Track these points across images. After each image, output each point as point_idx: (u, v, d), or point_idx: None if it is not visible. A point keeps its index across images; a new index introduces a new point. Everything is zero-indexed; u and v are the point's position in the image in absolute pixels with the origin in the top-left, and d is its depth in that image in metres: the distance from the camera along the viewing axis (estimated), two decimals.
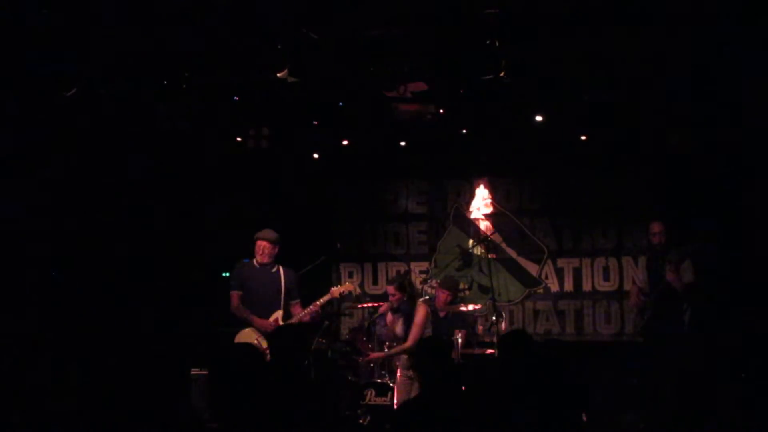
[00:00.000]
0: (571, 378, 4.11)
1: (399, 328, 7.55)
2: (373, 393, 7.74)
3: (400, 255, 9.73)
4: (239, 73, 6.89)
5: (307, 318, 7.45)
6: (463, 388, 4.99)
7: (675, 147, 8.33)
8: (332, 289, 7.66)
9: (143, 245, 8.53)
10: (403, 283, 7.73)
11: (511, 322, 9.31)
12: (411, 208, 9.74)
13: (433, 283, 8.84)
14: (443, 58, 6.64)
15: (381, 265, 9.74)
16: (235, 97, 7.73)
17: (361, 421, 7.64)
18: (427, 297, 8.40)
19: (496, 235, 9.32)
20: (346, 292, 7.76)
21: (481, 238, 9.18)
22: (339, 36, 6.50)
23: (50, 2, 5.95)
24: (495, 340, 7.92)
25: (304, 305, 7.58)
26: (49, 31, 6.17)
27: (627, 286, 8.98)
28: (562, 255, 9.39)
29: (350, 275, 9.77)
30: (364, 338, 8.00)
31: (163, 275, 8.54)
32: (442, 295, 8.16)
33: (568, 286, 9.36)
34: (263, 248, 7.50)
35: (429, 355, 4.53)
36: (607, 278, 9.26)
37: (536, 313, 9.44)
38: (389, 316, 7.65)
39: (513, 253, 9.47)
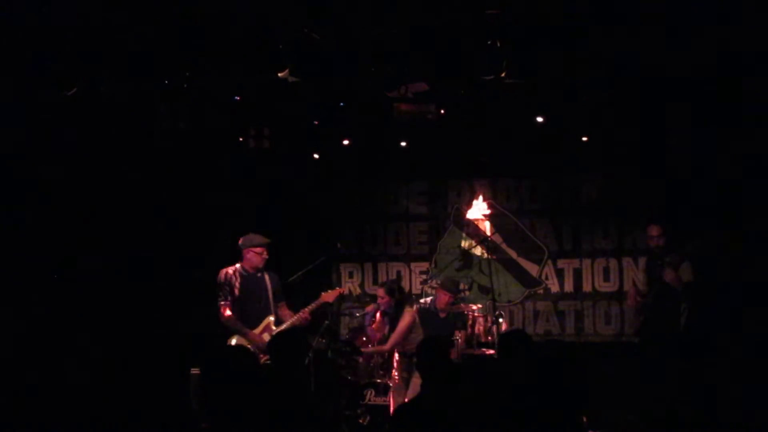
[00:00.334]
0: (571, 379, 4.10)
1: (386, 330, 7.57)
2: (373, 393, 7.75)
3: (400, 255, 9.74)
4: (240, 73, 6.88)
5: (296, 324, 7.36)
6: (464, 388, 4.99)
7: (675, 147, 8.33)
8: (322, 294, 7.54)
9: (143, 245, 8.53)
10: (393, 288, 7.74)
11: (511, 323, 9.32)
12: (411, 209, 9.75)
13: (433, 283, 8.86)
14: (444, 58, 6.64)
15: (381, 266, 9.74)
16: (236, 97, 7.74)
17: (360, 420, 7.64)
18: (429, 299, 8.41)
19: (497, 235, 9.31)
20: (336, 296, 7.63)
21: (480, 238, 9.18)
22: (340, 36, 6.50)
23: (51, 1, 5.95)
24: (495, 340, 7.93)
25: (304, 305, 7.54)
26: (50, 30, 6.16)
27: (627, 287, 8.98)
28: (562, 256, 9.39)
29: (350, 275, 9.78)
30: (364, 338, 8.01)
31: (163, 275, 8.53)
32: (443, 297, 8.17)
33: (569, 286, 9.36)
34: (264, 254, 7.39)
35: (431, 355, 4.53)
36: (607, 279, 9.26)
37: (536, 313, 9.44)
38: (378, 318, 7.64)
39: (513, 254, 9.48)
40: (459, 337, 7.81)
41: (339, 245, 9.03)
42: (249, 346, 6.89)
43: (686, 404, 7.19)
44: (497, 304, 8.57)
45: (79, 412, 7.28)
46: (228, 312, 7.24)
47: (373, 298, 9.30)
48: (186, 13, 6.15)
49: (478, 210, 8.90)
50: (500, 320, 8.37)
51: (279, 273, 7.74)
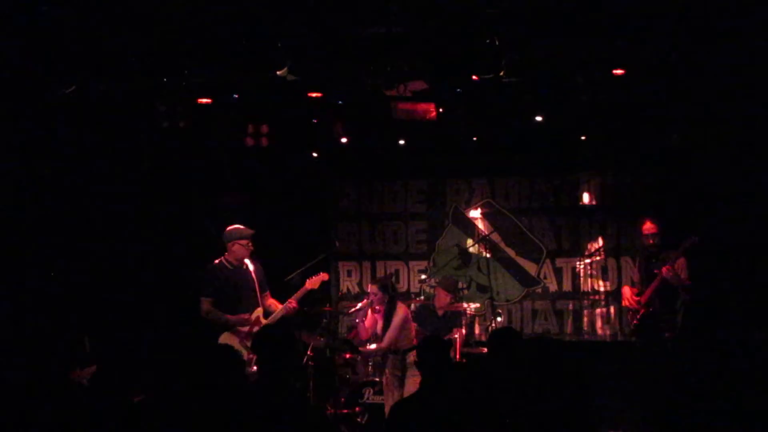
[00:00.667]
0: (566, 376, 4.09)
1: (380, 329, 7.55)
2: (371, 391, 7.76)
3: (398, 254, 9.73)
4: (239, 71, 6.88)
5: (284, 314, 7.31)
6: (462, 387, 4.99)
7: (675, 146, 8.34)
8: (306, 281, 7.46)
9: (143, 243, 8.54)
10: (387, 284, 7.72)
11: (509, 322, 9.32)
12: (410, 207, 9.74)
13: (432, 282, 8.86)
14: (443, 56, 6.63)
15: (380, 264, 9.73)
16: (235, 95, 7.73)
17: (359, 419, 7.65)
18: (421, 298, 8.43)
19: (495, 234, 9.33)
20: (320, 282, 7.51)
21: (479, 237, 9.18)
22: (339, 34, 6.49)
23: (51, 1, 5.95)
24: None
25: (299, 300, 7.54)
26: (50, 29, 6.16)
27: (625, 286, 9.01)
28: (560, 255, 9.40)
29: (349, 274, 9.78)
30: (364, 340, 8.00)
31: (162, 273, 8.54)
32: (443, 296, 8.18)
33: (567, 285, 9.37)
34: (249, 245, 7.30)
35: (433, 354, 4.53)
36: (605, 278, 9.27)
37: (534, 312, 9.44)
38: (369, 315, 7.62)
39: (512, 253, 9.48)
40: (457, 335, 7.83)
41: (337, 244, 9.04)
42: (235, 346, 6.91)
43: (686, 403, 7.19)
44: (495, 303, 8.61)
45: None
46: (206, 306, 7.18)
47: None
48: (185, 12, 6.14)
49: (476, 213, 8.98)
50: (498, 319, 8.40)
51: (277, 272, 7.74)
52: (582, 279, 9.30)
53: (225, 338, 7.12)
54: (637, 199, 9.00)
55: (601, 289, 9.27)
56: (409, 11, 6.15)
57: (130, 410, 4.29)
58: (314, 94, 7.51)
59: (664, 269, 7.32)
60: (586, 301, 9.29)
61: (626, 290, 7.89)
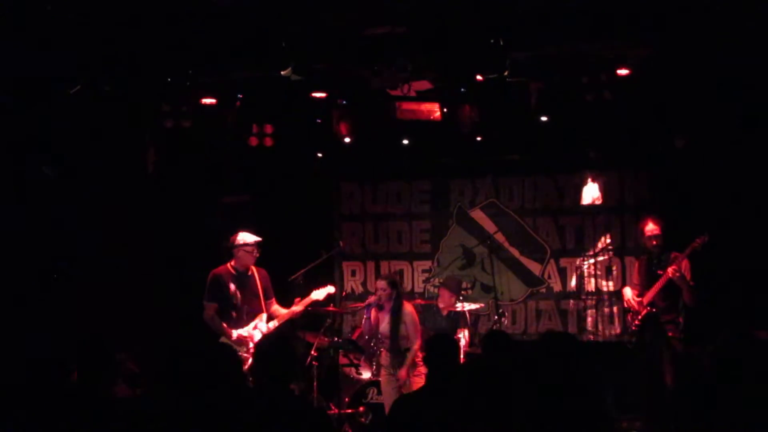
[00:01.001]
0: (572, 373, 4.06)
1: (384, 326, 7.52)
2: (375, 391, 7.76)
3: (402, 254, 9.73)
4: (243, 71, 6.89)
5: (286, 319, 7.38)
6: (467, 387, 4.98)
7: (679, 146, 8.32)
8: (313, 291, 7.51)
9: (143, 242, 8.55)
10: (395, 280, 7.72)
11: (513, 322, 9.32)
12: (414, 207, 9.74)
13: (436, 281, 8.86)
14: (447, 56, 6.64)
15: (384, 264, 9.73)
16: (239, 95, 7.74)
17: (363, 419, 7.65)
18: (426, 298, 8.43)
19: (499, 234, 9.32)
20: (326, 296, 7.55)
21: (484, 237, 9.18)
22: (343, 34, 6.50)
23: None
24: None
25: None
26: (52, 28, 6.16)
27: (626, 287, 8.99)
28: (564, 254, 9.39)
29: (353, 273, 9.79)
30: (366, 336, 8.00)
31: (164, 273, 8.54)
32: (447, 296, 8.18)
33: (571, 285, 9.36)
34: (255, 252, 7.32)
35: (441, 352, 4.53)
36: (609, 278, 9.26)
37: (538, 312, 9.43)
38: (374, 312, 7.61)
39: (516, 253, 9.47)
40: (462, 335, 7.83)
41: (341, 243, 9.04)
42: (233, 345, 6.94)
43: (687, 404, 7.17)
44: (499, 303, 8.59)
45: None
46: (209, 312, 7.21)
47: None
48: (189, 12, 6.15)
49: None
50: (502, 319, 8.39)
51: (281, 272, 7.74)
52: (586, 279, 9.29)
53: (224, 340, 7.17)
54: (641, 199, 8.98)
55: (605, 289, 9.26)
56: (414, 11, 6.15)
57: (127, 409, 4.29)
58: (318, 94, 7.52)
59: (670, 270, 7.29)
60: (590, 301, 9.27)
61: (627, 291, 7.85)
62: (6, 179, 7.50)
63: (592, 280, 9.28)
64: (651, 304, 7.49)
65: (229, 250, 7.35)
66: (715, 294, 7.79)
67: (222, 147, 8.75)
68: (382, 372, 7.53)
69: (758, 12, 5.90)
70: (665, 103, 7.66)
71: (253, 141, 8.41)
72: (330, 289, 7.57)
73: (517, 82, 6.88)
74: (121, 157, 8.29)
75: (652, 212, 7.99)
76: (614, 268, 9.24)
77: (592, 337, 9.21)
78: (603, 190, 9.22)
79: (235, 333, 7.19)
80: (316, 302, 7.50)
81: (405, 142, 8.94)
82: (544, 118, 7.92)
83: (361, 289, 9.73)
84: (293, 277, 8.08)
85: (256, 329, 7.26)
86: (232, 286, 7.27)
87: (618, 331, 9.15)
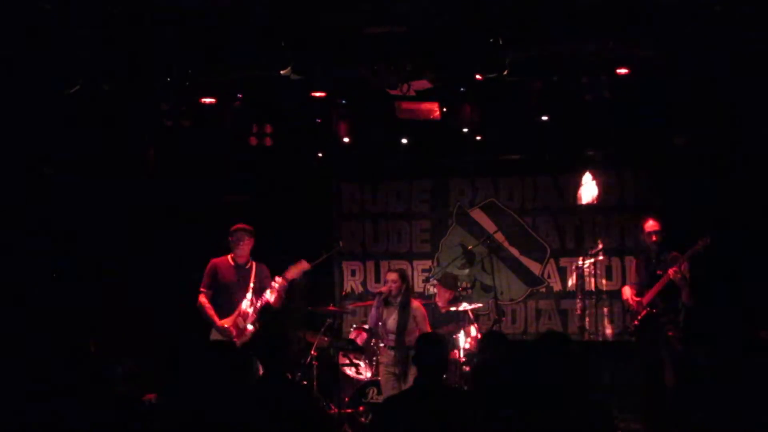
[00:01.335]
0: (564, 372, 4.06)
1: (391, 321, 7.52)
2: (375, 391, 7.75)
3: (402, 253, 9.73)
4: (243, 71, 6.88)
5: (264, 303, 7.33)
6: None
7: (678, 146, 8.33)
8: (286, 272, 7.39)
9: (144, 242, 8.54)
10: (405, 274, 7.76)
11: (513, 322, 9.33)
12: (414, 207, 9.74)
13: (434, 281, 8.86)
14: (447, 56, 6.63)
15: (383, 264, 9.72)
16: (239, 95, 7.73)
17: (362, 419, 7.65)
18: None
19: (499, 234, 9.32)
20: (300, 272, 7.43)
21: (483, 237, 9.17)
22: (343, 34, 6.49)
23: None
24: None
25: (305, 302, 7.55)
26: (53, 28, 6.16)
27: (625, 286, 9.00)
28: (564, 254, 9.39)
29: (353, 273, 9.79)
30: (367, 336, 8.00)
31: (163, 273, 8.54)
32: (443, 293, 8.19)
33: (571, 285, 9.36)
34: (243, 242, 7.40)
35: (430, 349, 4.53)
36: (609, 278, 9.26)
37: (538, 312, 9.43)
38: (381, 308, 7.61)
39: (515, 252, 9.47)
40: (464, 334, 7.82)
41: (341, 243, 9.03)
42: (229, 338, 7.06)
43: (687, 404, 7.19)
44: (499, 302, 8.59)
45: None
46: (201, 299, 7.36)
47: (375, 296, 9.31)
48: (190, 12, 6.15)
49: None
50: (502, 319, 8.40)
51: (282, 271, 7.73)
52: (586, 278, 9.28)
53: (214, 336, 7.29)
54: (640, 198, 8.98)
55: (605, 288, 9.25)
56: (414, 11, 6.15)
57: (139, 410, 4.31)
58: (318, 94, 7.52)
59: (671, 271, 7.29)
60: (589, 301, 9.26)
61: (626, 290, 7.84)
62: (6, 179, 7.48)
63: (592, 279, 9.27)
64: (651, 304, 7.48)
65: (228, 242, 7.48)
66: (715, 294, 7.79)
67: (222, 147, 8.75)
68: (382, 370, 7.53)
69: (758, 11, 5.90)
70: (665, 102, 7.66)
71: (253, 141, 8.41)
72: (303, 264, 7.44)
73: (517, 81, 6.87)
74: (121, 157, 8.29)
75: (652, 212, 7.98)
76: (614, 267, 9.24)
77: (593, 336, 9.20)
78: (602, 189, 9.22)
79: (219, 322, 7.28)
80: (293, 280, 7.42)
81: (404, 141, 8.94)
82: (544, 118, 7.93)
83: (360, 288, 9.73)
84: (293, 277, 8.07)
85: (236, 322, 7.30)
86: (226, 277, 7.38)
87: (617, 330, 9.14)
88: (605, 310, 9.24)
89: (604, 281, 9.25)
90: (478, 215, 9.56)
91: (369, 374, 7.87)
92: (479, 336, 7.79)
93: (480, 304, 8.39)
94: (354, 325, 8.37)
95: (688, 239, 7.42)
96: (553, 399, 3.88)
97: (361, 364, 7.92)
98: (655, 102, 7.69)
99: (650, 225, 7.59)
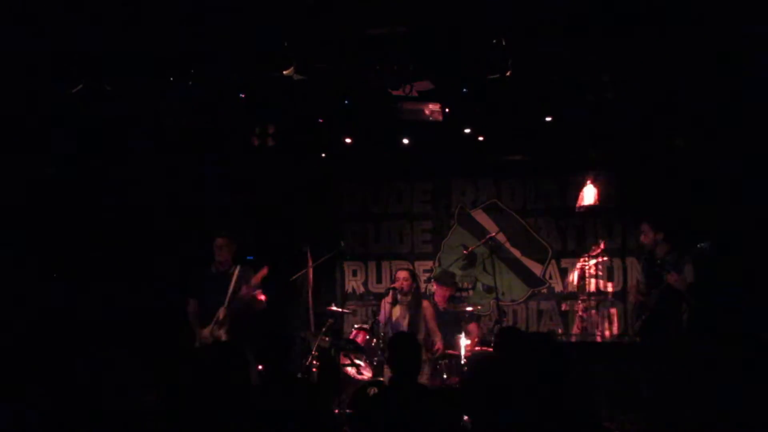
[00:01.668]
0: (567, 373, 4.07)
1: (403, 322, 7.56)
2: (375, 391, 7.74)
3: (404, 254, 9.73)
4: (245, 71, 6.89)
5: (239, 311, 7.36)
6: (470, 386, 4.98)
7: (679, 148, 8.32)
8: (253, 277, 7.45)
9: (145, 242, 8.55)
10: (415, 272, 7.79)
11: (514, 322, 9.32)
12: (415, 208, 9.74)
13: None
14: (449, 57, 6.63)
15: (385, 264, 9.73)
16: (241, 95, 7.73)
17: None
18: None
19: (501, 234, 9.33)
20: (260, 278, 7.43)
21: (485, 238, 9.17)
22: (345, 34, 6.50)
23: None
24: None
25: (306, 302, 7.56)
26: (54, 28, 6.17)
27: (631, 287, 8.99)
28: (566, 255, 9.39)
29: (354, 274, 9.79)
30: (368, 336, 8.00)
31: (164, 272, 8.54)
32: (441, 291, 8.20)
33: (572, 286, 9.36)
34: (222, 248, 7.48)
35: (403, 351, 4.53)
36: (611, 279, 9.26)
37: (540, 313, 9.44)
38: (396, 310, 7.62)
39: (517, 253, 9.47)
40: (463, 334, 7.82)
41: (342, 244, 9.04)
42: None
43: (688, 404, 7.18)
44: (501, 303, 8.59)
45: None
46: (189, 307, 7.47)
47: (377, 296, 9.33)
48: (192, 11, 6.15)
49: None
50: (503, 319, 8.40)
51: (283, 272, 7.74)
52: (587, 279, 9.29)
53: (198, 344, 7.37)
54: (642, 200, 8.97)
55: (607, 289, 9.26)
56: (415, 11, 6.15)
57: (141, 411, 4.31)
58: (319, 94, 7.52)
59: (669, 278, 7.29)
60: (591, 302, 9.27)
61: (632, 291, 7.86)
62: (6, 179, 7.50)
63: (593, 280, 9.28)
64: (654, 305, 7.48)
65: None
66: (717, 295, 7.78)
67: (222, 147, 8.76)
68: (388, 373, 7.54)
69: (758, 10, 5.90)
70: (665, 103, 7.66)
71: (254, 141, 8.42)
72: (263, 271, 7.46)
73: (519, 82, 6.87)
74: (120, 158, 8.30)
75: (653, 213, 7.98)
76: (615, 268, 9.24)
77: (592, 337, 9.20)
78: (604, 190, 9.22)
79: (199, 330, 7.36)
80: (256, 286, 7.41)
81: (405, 141, 8.94)
82: (546, 119, 7.92)
83: (362, 289, 9.73)
84: (294, 277, 8.09)
85: (215, 327, 7.33)
86: (205, 285, 7.46)
87: (619, 331, 9.15)
88: (606, 311, 9.24)
89: (605, 282, 9.25)
90: (480, 216, 9.57)
91: (369, 374, 7.86)
92: (477, 339, 7.80)
93: (480, 305, 8.39)
94: (355, 325, 8.37)
95: (690, 240, 7.42)
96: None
97: (362, 364, 7.91)
98: (656, 102, 7.68)
99: (650, 229, 7.61)
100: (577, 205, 9.31)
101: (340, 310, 8.58)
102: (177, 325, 7.75)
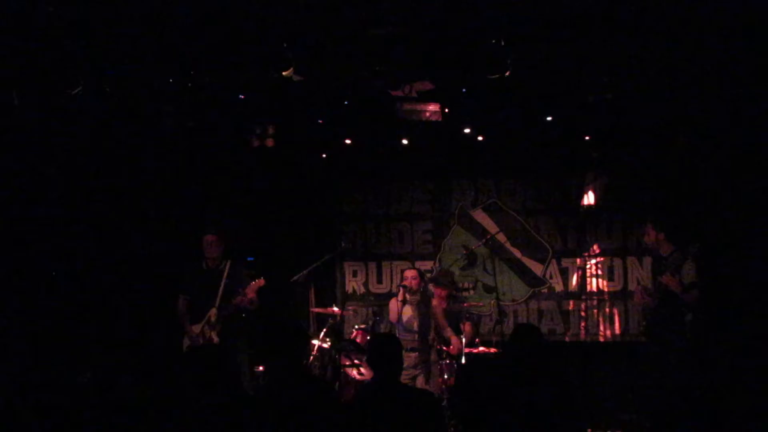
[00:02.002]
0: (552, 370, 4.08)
1: (413, 321, 7.58)
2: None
3: (404, 254, 9.73)
4: (245, 72, 6.89)
5: (232, 311, 7.36)
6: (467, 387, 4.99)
7: (680, 147, 8.32)
8: (250, 284, 7.44)
9: (145, 242, 8.55)
10: (422, 272, 7.80)
11: (515, 323, 9.30)
12: (416, 208, 9.74)
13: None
14: (448, 57, 6.63)
15: (385, 264, 9.73)
16: (241, 96, 7.73)
17: None
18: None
19: (501, 234, 9.32)
20: (256, 288, 7.42)
21: (485, 237, 9.17)
22: (344, 35, 6.49)
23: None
24: (498, 339, 7.96)
25: (307, 302, 7.56)
26: (55, 29, 6.17)
27: (631, 287, 9.01)
28: (566, 255, 9.39)
29: (354, 274, 9.78)
30: (369, 337, 8.00)
31: (165, 273, 8.55)
32: (439, 292, 8.20)
33: (573, 286, 9.36)
34: (210, 244, 7.45)
35: (383, 351, 4.53)
36: (611, 278, 9.26)
37: (540, 313, 9.43)
38: (406, 309, 7.63)
39: (518, 253, 9.47)
40: (463, 334, 7.82)
41: (343, 244, 9.04)
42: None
43: (690, 404, 7.17)
44: (501, 303, 8.58)
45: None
46: (179, 304, 7.46)
47: (377, 297, 9.33)
48: (191, 12, 6.15)
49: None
50: (504, 319, 8.40)
51: (283, 272, 7.74)
52: (588, 279, 9.29)
53: (186, 342, 7.39)
54: (642, 200, 8.98)
55: (607, 289, 9.25)
56: (415, 11, 6.14)
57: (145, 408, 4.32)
58: (319, 95, 7.52)
59: (663, 278, 7.30)
60: (591, 302, 9.27)
61: (637, 289, 7.87)
62: (6, 179, 7.50)
63: (594, 280, 9.28)
64: (658, 305, 7.49)
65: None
66: (718, 294, 7.78)
67: (222, 147, 8.76)
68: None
69: (758, 11, 5.90)
70: (666, 103, 7.66)
71: (255, 142, 8.42)
72: (260, 282, 7.46)
73: (519, 82, 6.86)
74: (121, 158, 8.30)
75: (654, 213, 7.98)
76: (616, 268, 9.24)
77: (593, 337, 9.20)
78: (604, 190, 9.22)
79: (189, 328, 7.36)
80: (251, 299, 7.39)
81: (405, 142, 8.94)
82: (546, 118, 7.92)
83: (362, 289, 9.73)
84: (295, 278, 8.08)
85: (206, 326, 7.33)
86: (195, 282, 7.45)
87: (619, 331, 9.15)
88: (607, 311, 9.24)
89: (606, 282, 9.25)
90: (480, 216, 9.56)
91: (369, 374, 7.86)
92: (468, 339, 7.80)
93: (479, 304, 8.40)
94: (355, 326, 8.37)
95: (691, 240, 7.42)
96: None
97: (363, 364, 7.92)
98: (657, 102, 7.68)
99: (651, 230, 7.61)
100: (581, 204, 9.30)
101: (340, 311, 8.58)
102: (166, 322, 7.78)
